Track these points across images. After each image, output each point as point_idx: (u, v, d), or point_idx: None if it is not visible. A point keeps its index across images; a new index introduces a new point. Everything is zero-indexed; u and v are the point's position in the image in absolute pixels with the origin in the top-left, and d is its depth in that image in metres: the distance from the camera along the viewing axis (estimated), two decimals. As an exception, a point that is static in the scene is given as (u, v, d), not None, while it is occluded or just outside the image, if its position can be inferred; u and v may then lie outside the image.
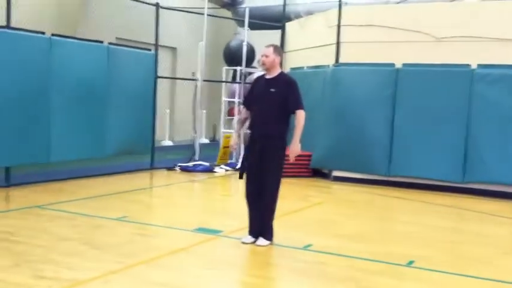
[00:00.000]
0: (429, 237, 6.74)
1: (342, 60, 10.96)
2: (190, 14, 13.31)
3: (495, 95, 9.48)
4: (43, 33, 9.16)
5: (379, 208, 8.66)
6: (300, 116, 5.88)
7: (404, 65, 10.30)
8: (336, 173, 10.94)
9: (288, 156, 5.95)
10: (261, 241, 5.94)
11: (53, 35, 9.33)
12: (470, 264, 5.63)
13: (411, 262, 5.57)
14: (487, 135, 9.51)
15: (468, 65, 9.78)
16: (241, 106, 6.50)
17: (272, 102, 5.87)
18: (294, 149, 5.93)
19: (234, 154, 12.35)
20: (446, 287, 4.96)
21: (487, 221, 7.89)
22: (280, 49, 6.15)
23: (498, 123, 9.45)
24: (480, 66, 9.70)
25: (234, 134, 6.44)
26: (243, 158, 6.31)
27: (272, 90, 5.88)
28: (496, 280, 5.14)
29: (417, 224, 7.49)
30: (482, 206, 8.88)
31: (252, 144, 6.02)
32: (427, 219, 7.80)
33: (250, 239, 6.00)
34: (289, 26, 13.22)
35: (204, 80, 12.54)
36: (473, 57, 9.74)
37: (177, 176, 10.94)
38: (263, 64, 6.00)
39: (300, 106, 5.89)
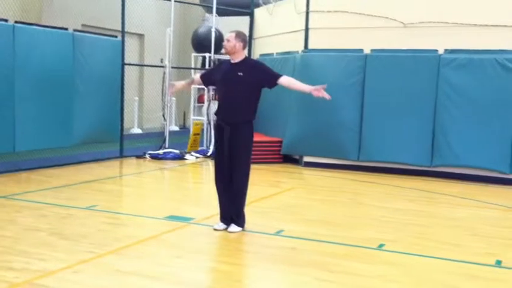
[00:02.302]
0: (399, 220, 6.81)
1: (311, 46, 10.96)
2: (158, 0, 13.13)
3: (461, 79, 9.59)
4: (6, 20, 8.92)
5: (350, 193, 8.73)
6: (286, 79, 5.94)
7: (372, 50, 10.35)
8: (306, 159, 10.98)
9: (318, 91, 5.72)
10: (233, 227, 5.93)
11: (16, 22, 9.10)
12: (439, 247, 5.71)
13: (381, 245, 5.63)
14: (453, 120, 9.64)
15: (435, 50, 9.88)
16: (197, 75, 6.38)
17: (240, 87, 5.83)
18: (312, 89, 5.74)
19: (205, 141, 12.30)
20: (415, 269, 5.02)
21: (455, 204, 8.02)
22: (243, 35, 6.06)
23: (464, 107, 9.58)
24: (447, 51, 9.81)
25: (180, 84, 6.32)
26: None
27: (240, 74, 5.84)
28: (464, 261, 5.23)
29: (387, 208, 7.56)
30: (450, 189, 9.02)
31: (219, 131, 5.97)
32: (397, 203, 7.88)
33: (222, 225, 5.99)
34: (257, 12, 13.16)
35: (173, 67, 12.42)
36: (440, 42, 9.84)
37: (147, 164, 10.84)
38: (224, 49, 5.97)
39: (278, 74, 5.92)
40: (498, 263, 5.20)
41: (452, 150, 9.66)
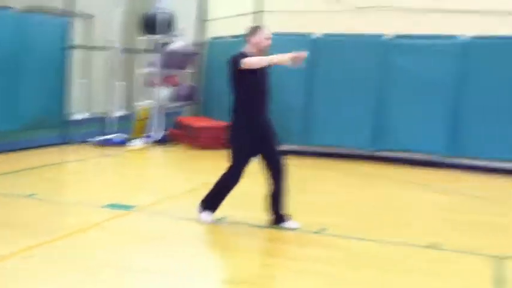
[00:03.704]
0: (345, 205, 6.83)
1: (263, 29, 10.84)
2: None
3: (409, 64, 9.68)
4: None
5: (296, 179, 8.65)
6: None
7: (323, 34, 10.32)
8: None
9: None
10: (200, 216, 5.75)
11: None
12: (381, 230, 5.74)
13: (323, 229, 5.61)
14: (400, 104, 9.74)
15: (384, 35, 9.92)
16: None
17: (270, 88, 5.64)
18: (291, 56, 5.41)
19: (152, 126, 12.05)
20: (356, 252, 5.03)
21: (398, 188, 8.11)
22: None
23: (411, 92, 9.67)
24: (396, 36, 9.85)
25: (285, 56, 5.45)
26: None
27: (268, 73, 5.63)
28: (408, 244, 5.28)
29: (333, 193, 7.58)
30: (395, 172, 9.12)
31: (259, 126, 5.59)
32: (343, 188, 7.91)
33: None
34: (209, -7, 12.93)
35: (122, 50, 12.11)
36: (387, 27, 9.87)
37: (92, 150, 10.56)
38: (268, 46, 5.58)
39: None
40: (438, 245, 5.25)
41: (398, 134, 9.77)
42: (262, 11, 10.85)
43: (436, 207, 6.99)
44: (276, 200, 5.70)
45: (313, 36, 10.33)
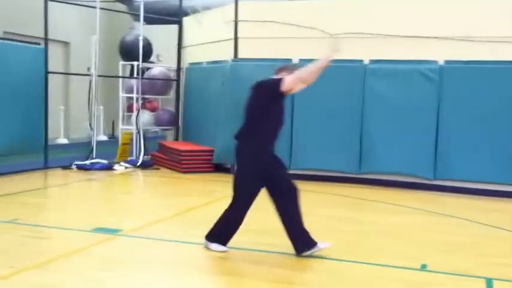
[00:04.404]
0: (324, 226, 6.88)
1: (240, 55, 11.00)
2: (83, 7, 12.81)
3: (386, 89, 9.89)
4: None
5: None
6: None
7: (301, 60, 10.47)
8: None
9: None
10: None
11: None
12: (366, 252, 5.80)
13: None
14: (379, 128, 9.91)
15: (361, 60, 10.14)
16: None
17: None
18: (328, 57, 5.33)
19: (135, 151, 12.06)
20: (343, 275, 5.09)
21: (382, 210, 8.21)
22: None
23: (389, 116, 9.86)
24: (372, 61, 10.09)
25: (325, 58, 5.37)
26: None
27: None
28: (389, 266, 5.34)
29: (316, 215, 7.62)
30: (378, 195, 9.24)
31: (263, 160, 5.41)
32: (326, 210, 7.98)
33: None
34: (186, 20, 13.08)
35: (99, 76, 12.13)
36: (365, 52, 10.10)
37: (74, 175, 10.51)
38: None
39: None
40: (423, 266, 5.34)
41: (378, 157, 9.93)
42: (238, 38, 11.00)
43: (421, 229, 7.09)
44: (297, 224, 5.46)
45: (292, 62, 10.49)
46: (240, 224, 5.53)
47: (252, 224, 6.88)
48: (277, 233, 6.50)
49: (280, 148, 10.31)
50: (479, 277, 5.08)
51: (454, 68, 9.60)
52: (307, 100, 10.33)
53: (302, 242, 5.45)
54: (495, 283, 4.93)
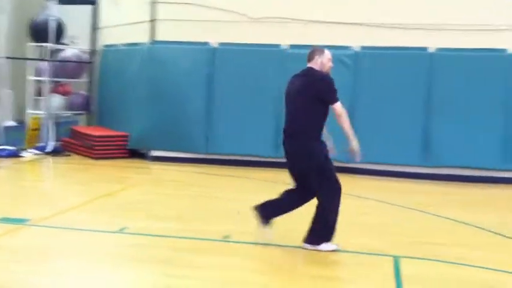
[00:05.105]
0: (247, 211, 6.82)
1: (158, 38, 10.72)
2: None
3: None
4: None
5: (199, 186, 8.65)
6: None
7: (220, 44, 10.36)
8: (154, 153, 10.71)
9: None
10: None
11: None
12: (285, 235, 5.79)
13: (226, 237, 5.58)
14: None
15: (280, 45, 10.13)
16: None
17: None
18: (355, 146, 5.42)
19: (44, 137, 11.48)
20: (262, 257, 5.05)
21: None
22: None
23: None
24: (292, 46, 10.08)
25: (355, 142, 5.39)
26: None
27: None
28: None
29: (236, 200, 7.58)
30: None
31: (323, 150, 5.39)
32: (246, 195, 7.92)
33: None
34: (102, 1, 12.57)
35: (7, 58, 11.46)
36: (285, 37, 10.08)
37: (-21, 162, 9.89)
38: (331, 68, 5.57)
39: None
40: (338, 246, 5.39)
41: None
42: (155, 20, 10.70)
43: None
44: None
45: (211, 45, 10.35)
46: (338, 213, 5.32)
47: (164, 210, 6.74)
48: (187, 218, 6.40)
49: (197, 133, 10.37)
50: (388, 255, 5.19)
51: (369, 53, 9.77)
52: (227, 84, 10.26)
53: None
54: (402, 260, 5.05)
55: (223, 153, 10.36)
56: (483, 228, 6.35)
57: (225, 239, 5.53)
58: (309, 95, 5.28)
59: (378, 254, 5.25)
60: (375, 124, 9.69)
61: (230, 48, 10.26)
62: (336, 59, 9.66)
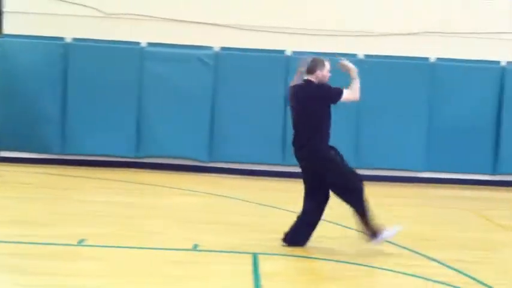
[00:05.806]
0: (105, 214, 6.62)
1: (7, 31, 10.05)
2: None
3: (166, 72, 9.83)
4: None
5: (53, 189, 8.23)
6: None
7: (75, 39, 9.95)
8: (3, 154, 10.03)
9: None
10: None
11: None
12: (144, 237, 5.70)
13: (82, 241, 5.36)
14: (159, 111, 9.85)
15: (138, 43, 9.95)
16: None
17: None
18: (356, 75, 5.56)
19: None
20: (117, 261, 4.90)
21: (161, 194, 8.18)
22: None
23: (169, 99, 9.85)
24: (150, 44, 9.94)
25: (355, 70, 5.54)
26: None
27: None
28: (165, 248, 5.30)
29: (93, 202, 7.32)
30: (157, 179, 9.18)
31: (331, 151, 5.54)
32: (103, 197, 7.71)
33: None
34: None
35: None
36: (143, 35, 9.92)
37: None
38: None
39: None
40: (195, 246, 5.39)
41: (158, 140, 9.87)
42: (3, 12, 10.04)
43: (196, 210, 7.19)
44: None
45: (64, 41, 9.91)
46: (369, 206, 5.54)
47: (12, 215, 6.34)
48: (38, 222, 6.09)
49: (50, 132, 9.82)
50: (247, 253, 5.28)
51: (229, 54, 9.91)
52: (83, 82, 9.91)
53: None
54: (260, 257, 5.17)
55: (81, 154, 9.97)
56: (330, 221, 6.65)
57: (79, 243, 5.29)
58: (312, 105, 5.44)
59: (237, 252, 5.31)
60: (235, 123, 9.86)
61: (85, 44, 9.91)
62: (197, 59, 9.86)
